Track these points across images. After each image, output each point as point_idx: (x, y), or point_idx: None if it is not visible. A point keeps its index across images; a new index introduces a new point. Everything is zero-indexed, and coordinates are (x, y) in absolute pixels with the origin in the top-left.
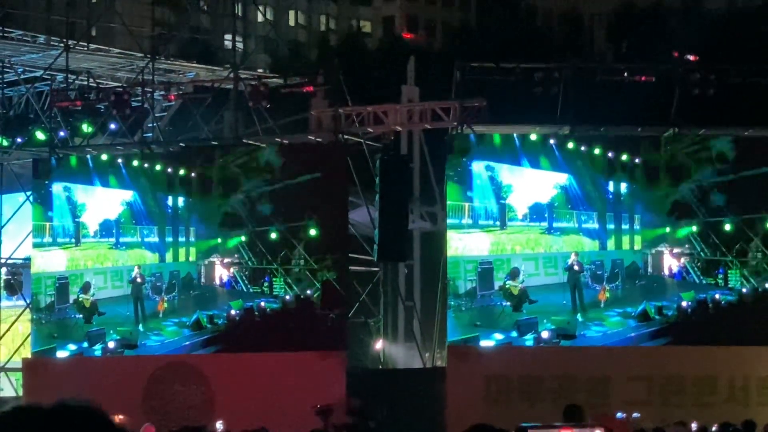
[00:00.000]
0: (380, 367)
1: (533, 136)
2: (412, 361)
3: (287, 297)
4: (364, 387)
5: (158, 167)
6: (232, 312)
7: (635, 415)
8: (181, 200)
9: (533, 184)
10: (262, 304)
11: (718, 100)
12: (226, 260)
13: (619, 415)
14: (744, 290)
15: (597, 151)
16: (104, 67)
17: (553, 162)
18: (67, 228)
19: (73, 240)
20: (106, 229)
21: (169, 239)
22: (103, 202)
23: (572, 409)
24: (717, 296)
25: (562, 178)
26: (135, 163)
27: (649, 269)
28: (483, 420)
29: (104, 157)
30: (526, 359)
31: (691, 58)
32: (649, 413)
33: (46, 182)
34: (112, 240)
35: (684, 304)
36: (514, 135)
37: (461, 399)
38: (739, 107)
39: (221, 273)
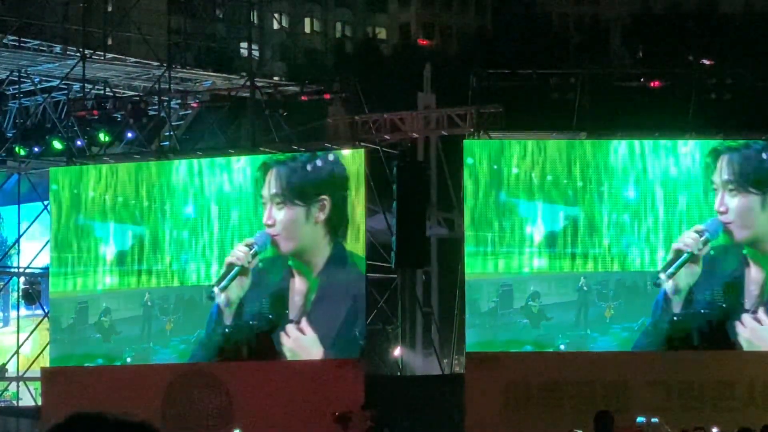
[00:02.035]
0: (399, 373)
1: (549, 177)
2: (431, 368)
3: (270, 316)
4: (383, 394)
5: (167, 207)
6: (227, 330)
7: (654, 420)
8: (185, 233)
9: (547, 216)
10: (251, 322)
11: (736, 104)
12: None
13: (639, 419)
14: (723, 305)
15: (604, 188)
16: (121, 76)
17: (566, 199)
18: (87, 259)
19: (91, 269)
20: (121, 258)
21: (175, 266)
22: (118, 235)
23: (602, 416)
24: (702, 311)
25: (574, 210)
26: (146, 203)
27: (648, 287)
28: (502, 426)
29: (120, 198)
30: (545, 365)
31: (707, 62)
32: (668, 418)
33: (70, 218)
34: (126, 268)
35: (675, 318)
36: (533, 175)
37: (480, 405)
38: (756, 112)
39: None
